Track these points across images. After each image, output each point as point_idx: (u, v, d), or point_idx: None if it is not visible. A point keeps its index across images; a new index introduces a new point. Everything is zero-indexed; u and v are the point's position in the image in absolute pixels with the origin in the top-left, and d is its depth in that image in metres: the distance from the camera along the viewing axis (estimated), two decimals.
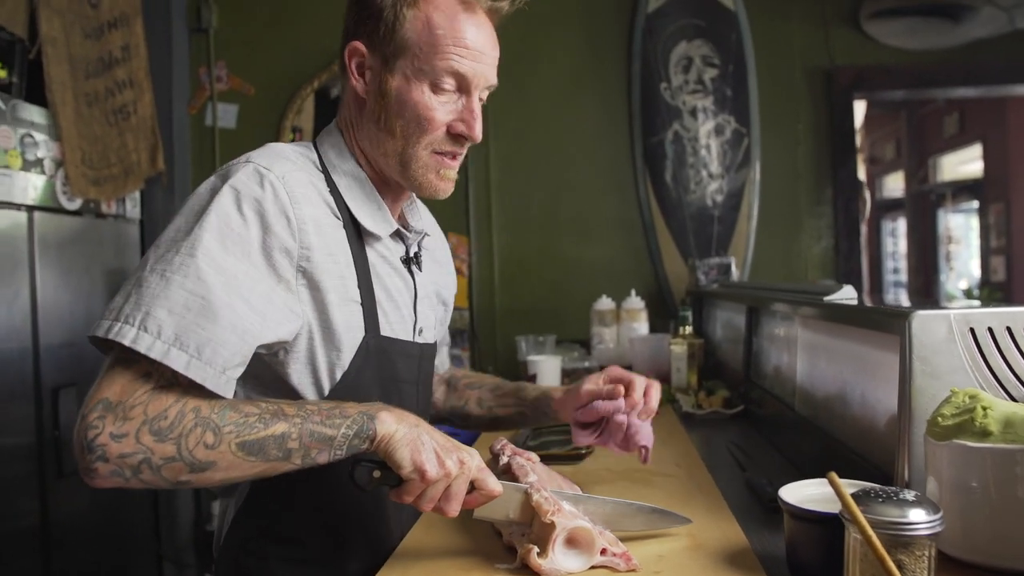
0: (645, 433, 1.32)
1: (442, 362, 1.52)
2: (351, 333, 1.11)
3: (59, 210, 2.71)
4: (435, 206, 3.52)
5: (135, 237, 3.18)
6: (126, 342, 0.89)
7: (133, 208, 3.13)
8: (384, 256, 1.18)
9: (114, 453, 0.86)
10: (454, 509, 0.98)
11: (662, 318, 3.15)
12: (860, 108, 5.89)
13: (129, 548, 3.04)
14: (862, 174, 6.87)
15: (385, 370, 1.17)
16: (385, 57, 1.11)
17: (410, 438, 0.95)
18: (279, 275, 1.02)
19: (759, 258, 3.29)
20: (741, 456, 1.63)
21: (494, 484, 1.00)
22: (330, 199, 1.12)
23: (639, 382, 1.28)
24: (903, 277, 6.54)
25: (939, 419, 0.87)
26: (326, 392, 1.11)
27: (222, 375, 0.93)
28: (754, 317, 2.03)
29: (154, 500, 3.21)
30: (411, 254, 1.24)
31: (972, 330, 1.02)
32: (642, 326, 2.83)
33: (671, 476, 1.46)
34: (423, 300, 1.26)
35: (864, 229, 6.70)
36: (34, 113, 2.61)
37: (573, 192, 3.39)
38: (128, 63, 3.04)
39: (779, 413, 1.72)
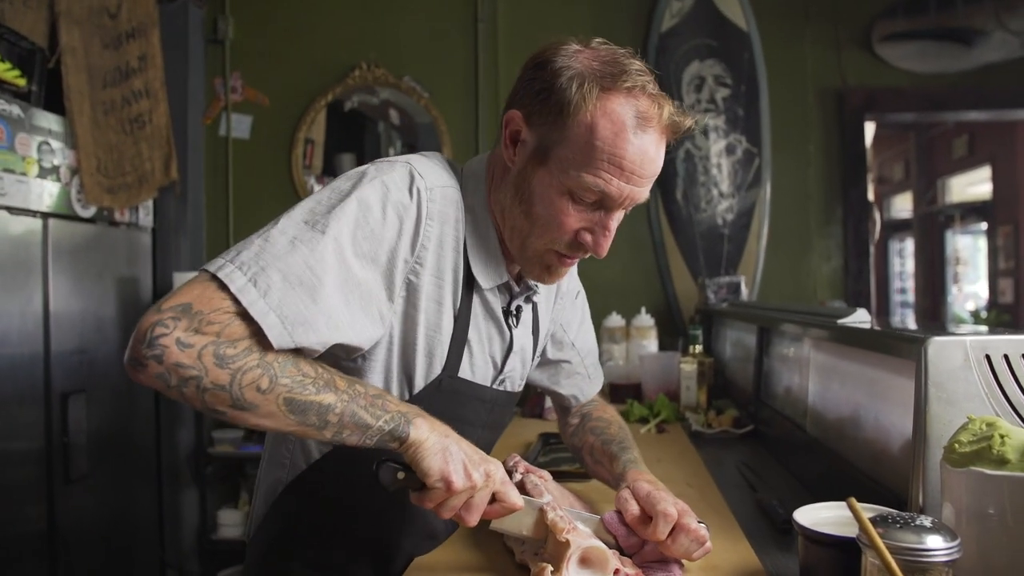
0: (673, 569, 1.08)
1: (581, 391, 1.48)
2: (429, 360, 1.11)
3: (73, 217, 2.73)
4: None
5: (147, 245, 3.20)
6: (232, 288, 0.88)
7: (146, 216, 3.15)
8: (488, 302, 1.17)
9: (172, 359, 0.84)
10: (474, 519, 0.98)
11: (671, 336, 3.15)
12: (869, 129, 5.91)
13: (134, 555, 3.05)
14: (870, 194, 6.88)
15: (453, 409, 1.14)
16: (540, 142, 1.05)
17: (440, 447, 0.95)
18: (391, 280, 1.02)
19: (768, 277, 3.29)
20: (751, 476, 1.63)
21: (516, 498, 1.00)
22: (460, 230, 1.10)
23: (664, 522, 1.04)
24: (910, 297, 6.53)
25: (956, 446, 0.87)
26: None
27: (292, 347, 0.93)
28: (765, 337, 2.03)
29: (159, 507, 3.21)
30: (512, 308, 1.21)
31: (988, 357, 1.03)
32: (651, 344, 2.83)
33: (683, 496, 1.44)
34: (515, 354, 1.25)
35: (872, 249, 6.71)
36: (51, 121, 2.63)
37: None
38: (144, 73, 3.07)
39: (789, 434, 1.72)
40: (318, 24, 3.46)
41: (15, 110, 2.46)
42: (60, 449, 2.60)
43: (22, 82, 2.57)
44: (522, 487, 1.14)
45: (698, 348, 2.35)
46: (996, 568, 0.84)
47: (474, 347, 1.16)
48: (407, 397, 1.11)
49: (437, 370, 1.11)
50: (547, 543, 0.99)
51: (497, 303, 1.18)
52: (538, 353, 1.37)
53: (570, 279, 1.42)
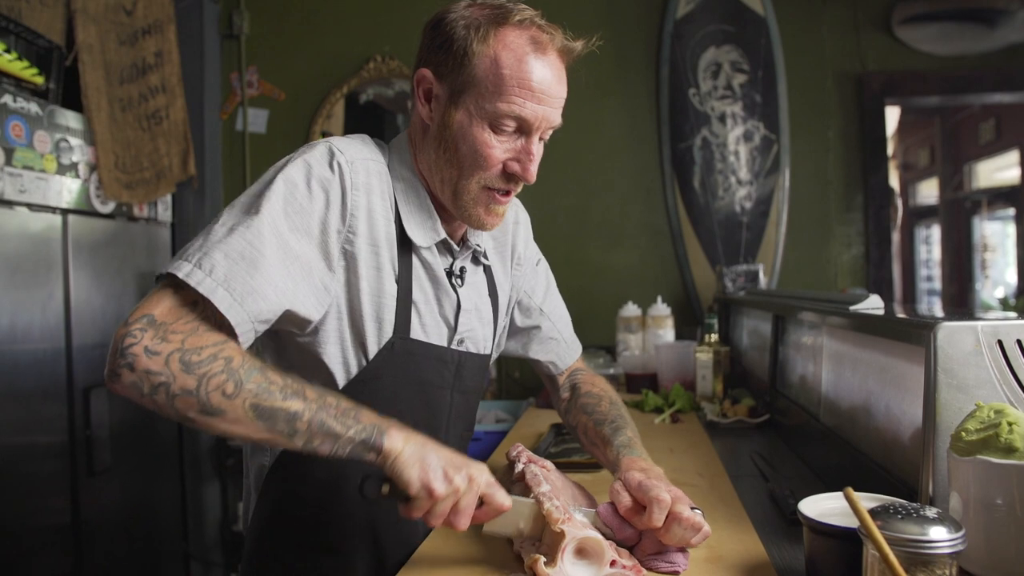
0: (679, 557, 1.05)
1: (559, 357, 1.52)
2: (378, 325, 1.14)
3: (92, 213, 2.76)
4: None
5: (166, 240, 3.22)
6: (180, 274, 0.94)
7: (165, 211, 3.18)
8: (429, 264, 1.20)
9: (142, 366, 0.89)
10: (463, 523, 0.98)
11: (689, 325, 3.13)
12: (893, 114, 5.81)
13: (157, 546, 3.08)
14: (895, 181, 6.77)
15: (411, 372, 1.19)
16: (452, 89, 1.12)
17: (418, 456, 0.96)
18: (327, 251, 1.07)
19: (788, 265, 3.25)
20: (765, 466, 1.61)
21: (503, 498, 1.00)
22: (392, 197, 1.17)
23: (658, 509, 1.02)
24: (937, 285, 6.42)
25: (963, 434, 0.85)
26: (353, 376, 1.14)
27: (249, 323, 0.98)
28: (780, 325, 2.01)
29: (182, 499, 3.25)
30: (455, 268, 1.25)
31: (1000, 342, 1.00)
32: (668, 333, 2.81)
33: (694, 486, 1.44)
34: (467, 312, 1.26)
35: (897, 237, 6.60)
36: (70, 118, 2.66)
37: (600, 198, 3.38)
38: (161, 69, 3.09)
39: (804, 423, 1.70)
40: (332, 17, 3.46)
41: (33, 108, 2.48)
42: (83, 442, 2.63)
43: (40, 80, 2.59)
44: (523, 477, 1.13)
45: (714, 337, 2.33)
46: (1004, 558, 0.82)
47: (421, 308, 1.19)
48: (364, 364, 1.14)
49: (388, 334, 1.15)
50: (543, 534, 0.98)
51: (439, 264, 1.22)
52: (503, 316, 1.40)
53: (528, 246, 1.46)
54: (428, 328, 1.20)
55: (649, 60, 3.34)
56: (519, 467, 1.19)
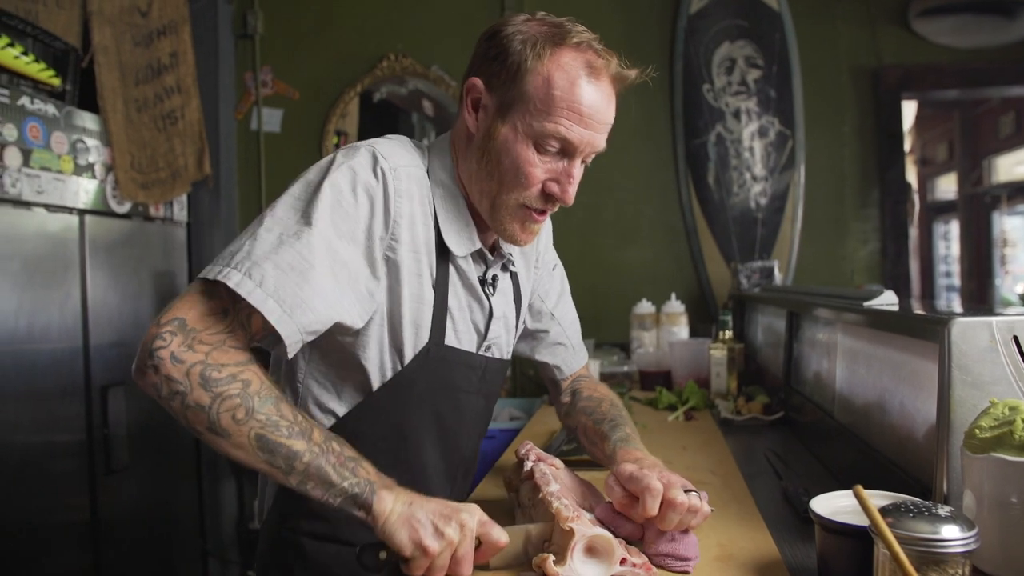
0: (685, 544, 1.04)
1: (565, 363, 1.52)
2: (415, 331, 1.15)
3: (109, 213, 2.78)
4: None
5: (182, 239, 3.25)
6: (230, 284, 0.95)
7: (181, 211, 3.20)
8: (464, 272, 1.22)
9: (165, 371, 0.91)
10: (466, 570, 0.96)
11: (704, 322, 3.11)
12: (910, 109, 5.74)
13: (175, 544, 3.11)
14: (913, 176, 6.69)
15: (444, 377, 1.20)
16: (501, 102, 1.12)
17: (405, 517, 0.94)
18: (372, 258, 1.09)
19: (803, 262, 3.23)
20: (778, 464, 1.60)
21: (498, 535, 0.98)
22: (431, 203, 1.17)
23: (651, 497, 1.01)
24: (956, 281, 6.35)
25: (976, 431, 0.84)
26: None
27: (300, 336, 0.99)
28: (795, 322, 1.99)
29: (199, 497, 3.27)
30: (488, 276, 1.25)
31: (1016, 338, 0.99)
32: (682, 330, 2.80)
33: (706, 484, 1.44)
34: (497, 320, 1.28)
35: (915, 232, 6.53)
36: (86, 119, 2.68)
37: (615, 195, 3.37)
38: (176, 69, 3.11)
39: (819, 420, 1.69)
40: (344, 16, 3.47)
41: (50, 109, 2.51)
42: (101, 441, 2.65)
43: (57, 82, 2.62)
44: (531, 475, 1.13)
45: (728, 334, 2.31)
46: (1018, 558, 0.81)
47: (455, 315, 1.20)
48: (399, 368, 1.15)
49: (424, 340, 1.16)
50: (552, 533, 0.98)
51: (473, 272, 1.22)
52: (521, 322, 1.40)
53: (547, 250, 1.47)
54: (461, 335, 1.21)
55: (663, 56, 3.32)
56: (528, 465, 1.19)
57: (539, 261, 1.44)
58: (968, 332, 0.99)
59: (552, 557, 0.93)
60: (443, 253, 1.17)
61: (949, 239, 6.55)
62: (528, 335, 1.48)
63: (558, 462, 1.22)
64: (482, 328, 1.25)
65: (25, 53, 2.48)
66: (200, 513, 3.28)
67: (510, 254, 1.29)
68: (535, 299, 1.46)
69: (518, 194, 1.13)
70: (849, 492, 0.96)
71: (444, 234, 1.17)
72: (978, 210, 5.88)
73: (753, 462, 1.65)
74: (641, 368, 2.64)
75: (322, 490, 0.96)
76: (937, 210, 6.65)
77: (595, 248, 3.37)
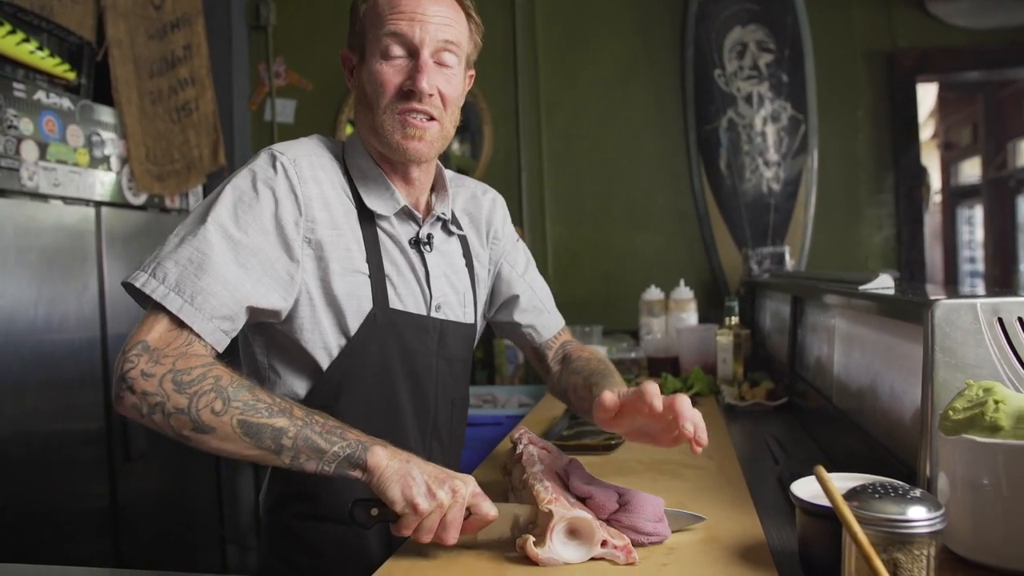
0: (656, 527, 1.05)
1: (544, 326, 1.54)
2: (356, 302, 1.19)
3: (125, 205, 2.82)
4: None
5: None
6: (137, 284, 1.04)
7: (196, 202, 3.24)
8: (393, 235, 1.26)
9: (140, 388, 0.97)
10: (452, 537, 0.98)
11: (717, 308, 3.09)
12: (931, 92, 5.65)
13: (194, 530, 3.16)
14: (936, 160, 6.59)
15: (397, 341, 1.24)
16: (359, 50, 1.23)
17: (401, 473, 0.98)
18: (287, 243, 1.13)
19: (817, 248, 3.20)
20: (778, 450, 1.60)
21: (488, 508, 1.00)
22: (345, 184, 1.24)
23: (652, 396, 1.06)
24: (980, 267, 6.26)
25: (951, 413, 0.84)
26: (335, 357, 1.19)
27: (209, 322, 1.04)
28: (799, 307, 1.99)
29: (217, 484, 3.32)
30: (421, 235, 1.29)
31: (1000, 320, 0.98)
32: (691, 316, 2.79)
33: (701, 468, 1.44)
34: (438, 278, 1.31)
35: (937, 217, 6.44)
36: (101, 112, 2.72)
37: (626, 182, 3.36)
38: (190, 62, 3.15)
39: (820, 406, 1.68)
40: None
41: (66, 103, 2.55)
42: (119, 429, 2.70)
43: (72, 76, 2.66)
44: (520, 458, 1.14)
45: (734, 320, 2.31)
46: (991, 540, 0.81)
47: (395, 279, 1.24)
48: (344, 343, 1.19)
49: (367, 308, 1.20)
50: (536, 516, 0.99)
51: (404, 234, 1.27)
52: (481, 287, 1.44)
53: (505, 224, 1.50)
54: (404, 298, 1.25)
55: (674, 42, 3.30)
56: (520, 448, 1.20)
57: (498, 234, 1.48)
58: (952, 314, 0.99)
59: (532, 538, 0.94)
60: (370, 222, 1.23)
61: (973, 224, 6.45)
62: (503, 303, 1.51)
63: (550, 445, 1.23)
64: (425, 288, 1.28)
65: (40, 48, 2.52)
66: (218, 500, 3.33)
67: (443, 213, 1.32)
68: (504, 267, 1.49)
69: (383, 105, 1.18)
70: (832, 476, 0.98)
71: (365, 199, 1.23)
72: (1003, 194, 5.79)
73: (753, 447, 1.65)
74: (649, 354, 2.64)
75: (315, 461, 0.99)
76: (961, 195, 6.55)
77: (606, 235, 3.37)
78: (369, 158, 1.26)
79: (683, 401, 1.04)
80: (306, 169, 1.17)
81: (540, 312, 1.53)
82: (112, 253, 2.74)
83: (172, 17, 3.12)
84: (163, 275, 1.03)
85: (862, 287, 1.35)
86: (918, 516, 0.73)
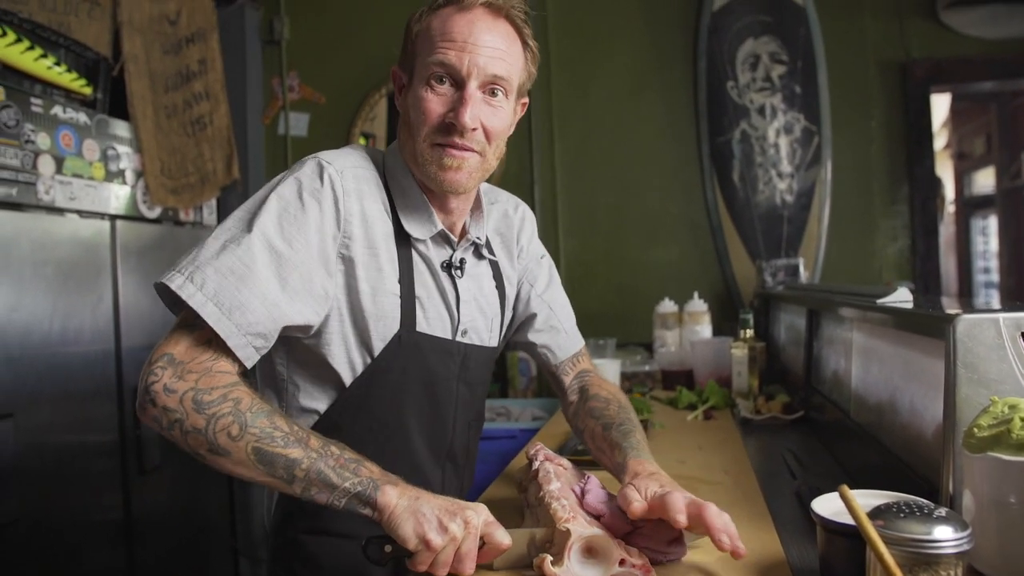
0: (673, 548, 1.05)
1: (560, 347, 1.51)
2: (384, 322, 1.18)
3: (140, 218, 2.84)
4: None
5: None
6: (172, 286, 1.01)
7: (210, 216, 3.25)
8: (427, 258, 1.25)
9: (161, 402, 0.97)
10: (468, 568, 0.97)
11: (730, 321, 3.08)
12: (944, 102, 5.62)
13: (206, 543, 3.16)
14: (949, 171, 6.55)
15: (420, 363, 1.23)
16: (409, 73, 1.20)
17: (411, 511, 0.96)
18: (325, 257, 1.12)
19: (831, 259, 3.18)
20: (795, 464, 1.59)
21: (502, 536, 0.98)
22: (385, 200, 1.22)
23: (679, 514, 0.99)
24: (995, 277, 6.21)
25: (975, 430, 0.83)
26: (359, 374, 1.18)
27: (243, 337, 1.02)
28: (815, 320, 1.97)
29: (230, 497, 3.32)
30: (454, 260, 1.28)
31: (1023, 335, 0.97)
32: (705, 329, 2.78)
33: (717, 484, 1.43)
34: (467, 303, 1.30)
35: (951, 228, 6.39)
36: (117, 127, 2.74)
37: (639, 194, 3.36)
38: (205, 76, 3.17)
39: (836, 420, 1.67)
40: (369, 20, 3.51)
41: (82, 117, 2.57)
42: (133, 441, 2.71)
43: (88, 91, 2.68)
44: (537, 475, 1.14)
45: (749, 333, 2.29)
46: (1017, 559, 0.79)
47: (424, 302, 1.23)
48: (368, 361, 1.18)
49: (394, 330, 1.19)
50: (553, 534, 0.98)
51: (437, 257, 1.26)
52: (508, 309, 1.43)
53: (532, 241, 1.48)
54: (432, 321, 1.24)
55: (686, 54, 3.30)
56: (535, 465, 1.19)
57: (524, 252, 1.46)
58: (974, 329, 0.98)
59: (550, 558, 0.94)
60: (405, 242, 1.21)
61: (988, 234, 6.41)
62: (520, 321, 1.49)
63: (565, 462, 1.22)
64: (454, 312, 1.27)
65: (58, 64, 2.55)
66: (231, 512, 3.34)
67: (478, 238, 1.32)
68: (523, 285, 1.48)
69: (424, 134, 1.16)
70: (856, 492, 0.96)
71: (403, 221, 1.21)
72: (1017, 204, 5.74)
73: (770, 462, 1.64)
74: (663, 367, 2.63)
75: (326, 494, 0.98)
76: (975, 205, 6.51)
77: (620, 247, 3.36)
78: (412, 178, 1.23)
79: (711, 513, 0.97)
80: (351, 182, 1.16)
81: (557, 332, 1.50)
82: (127, 266, 2.75)
83: (187, 32, 3.14)
84: (201, 281, 1.01)
85: (881, 301, 1.34)
86: (945, 536, 0.72)
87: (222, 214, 3.34)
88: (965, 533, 0.73)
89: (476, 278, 1.34)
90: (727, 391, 2.25)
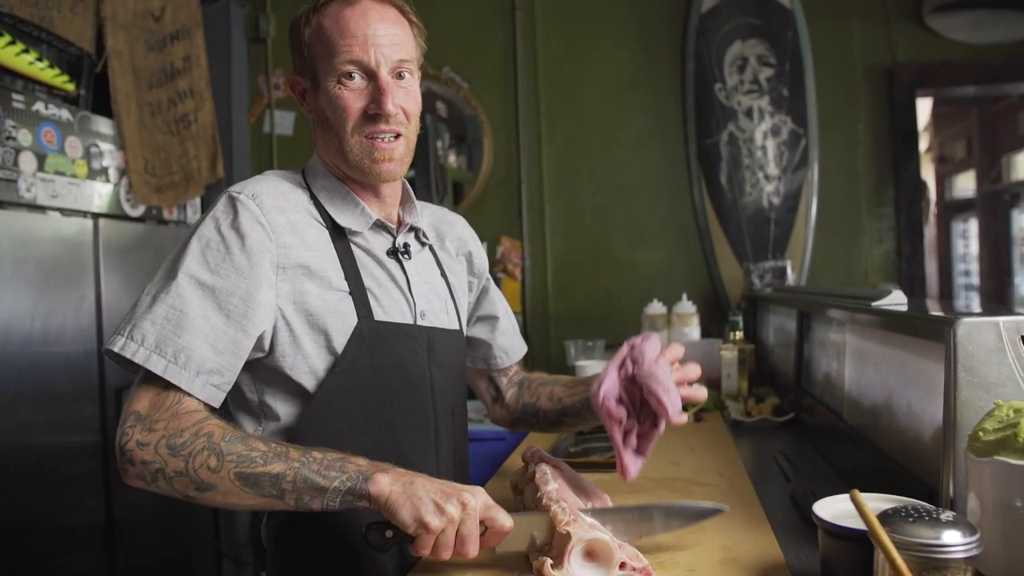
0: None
1: (515, 350, 1.55)
2: (339, 319, 1.17)
3: (123, 217, 2.80)
4: (488, 211, 3.51)
5: None
6: (115, 348, 1.02)
7: (194, 215, 3.21)
8: (369, 250, 1.25)
9: (138, 458, 0.98)
10: (471, 551, 0.98)
11: (717, 323, 3.09)
12: (926, 106, 5.68)
13: (190, 545, 3.12)
14: (931, 174, 6.62)
15: (388, 353, 1.22)
16: (311, 77, 1.22)
17: (407, 495, 0.97)
18: (263, 272, 1.11)
19: (817, 261, 3.20)
20: (788, 467, 1.59)
21: (503, 519, 0.99)
22: (311, 207, 1.23)
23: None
24: (975, 280, 6.28)
25: (980, 434, 0.83)
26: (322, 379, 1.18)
27: (196, 378, 1.03)
28: (805, 322, 1.98)
29: None
30: (398, 244, 1.30)
31: None
32: (693, 330, 2.78)
33: (712, 486, 1.43)
34: (419, 285, 1.31)
35: (932, 231, 6.46)
36: (100, 124, 2.70)
37: (627, 196, 3.36)
38: (189, 73, 3.13)
39: (829, 422, 1.67)
40: None
41: (64, 114, 2.53)
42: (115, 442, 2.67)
43: (71, 87, 2.64)
44: (533, 477, 1.13)
45: (739, 335, 2.30)
46: (1022, 562, 0.79)
47: (376, 292, 1.23)
48: (333, 360, 1.17)
49: (352, 323, 1.18)
50: (552, 536, 0.97)
51: (380, 245, 1.27)
52: (461, 297, 1.44)
53: (481, 256, 1.52)
54: (388, 309, 1.24)
55: (674, 56, 3.31)
56: (533, 467, 1.18)
57: (474, 252, 1.49)
58: (974, 332, 0.98)
59: (550, 561, 0.93)
60: (342, 239, 1.22)
61: (968, 237, 6.48)
62: (483, 320, 1.53)
63: (561, 463, 1.22)
64: (408, 296, 1.28)
65: (40, 59, 2.50)
66: (214, 514, 3.30)
67: (416, 223, 1.34)
68: (491, 287, 1.55)
69: (349, 129, 1.19)
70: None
71: (336, 218, 1.22)
72: (997, 208, 5.81)
73: (762, 464, 1.64)
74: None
75: (319, 499, 0.98)
76: (955, 208, 6.58)
77: (607, 249, 3.36)
78: (334, 178, 1.26)
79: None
80: (267, 199, 1.16)
81: (513, 336, 1.56)
82: (109, 265, 2.71)
83: (172, 29, 3.10)
84: (141, 336, 1.02)
85: (876, 304, 1.34)
86: (954, 541, 0.72)
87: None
88: (974, 538, 0.72)
89: (423, 262, 1.36)
90: (716, 393, 2.25)
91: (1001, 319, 0.98)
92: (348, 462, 1.01)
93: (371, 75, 1.18)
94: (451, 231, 1.47)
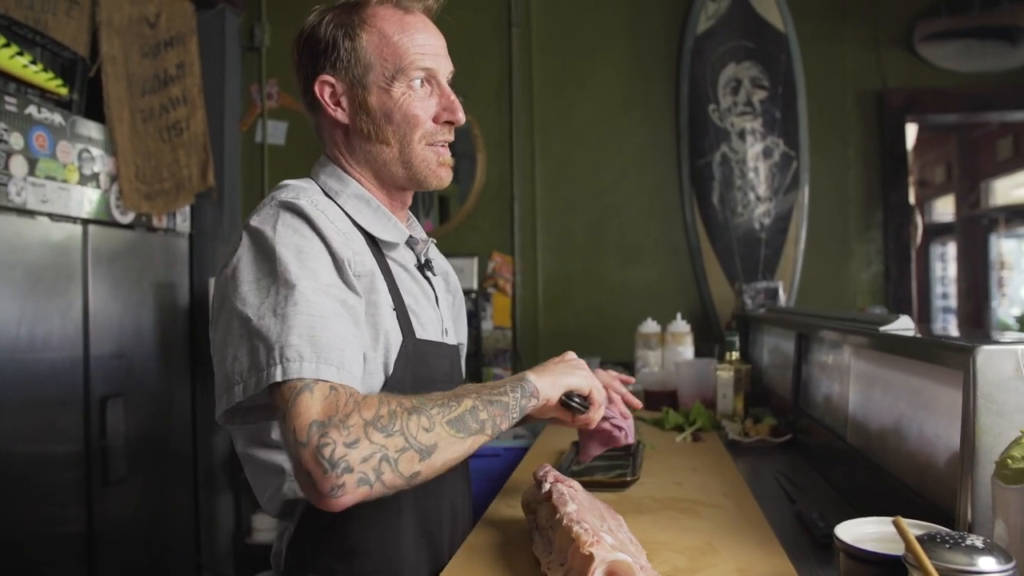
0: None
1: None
2: (393, 335, 1.14)
3: (112, 223, 2.77)
4: (481, 226, 3.51)
5: (185, 251, 3.23)
6: (278, 378, 0.93)
7: (184, 222, 3.19)
8: (403, 264, 1.24)
9: (356, 460, 0.89)
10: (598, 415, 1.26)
11: (707, 342, 3.11)
12: (911, 131, 5.78)
13: (170, 557, 3.07)
14: (912, 198, 6.73)
15: (423, 372, 1.19)
16: (354, 79, 1.17)
17: (558, 372, 1.18)
18: (350, 282, 1.06)
19: (806, 283, 3.23)
20: (790, 487, 1.59)
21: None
22: (343, 216, 1.17)
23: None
24: (952, 303, 6.38)
25: (1009, 461, 0.84)
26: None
27: (354, 371, 1.00)
28: (804, 344, 1.99)
29: (195, 511, 3.24)
30: (422, 260, 1.30)
31: None
32: (687, 350, 2.79)
33: (719, 507, 1.43)
34: (443, 301, 1.32)
35: (913, 254, 6.54)
36: (92, 129, 2.67)
37: (619, 214, 3.37)
38: (182, 81, 3.11)
39: (830, 444, 1.68)
40: None
41: (57, 118, 2.50)
42: (99, 452, 2.63)
43: (64, 91, 2.61)
44: (549, 497, 1.12)
45: (735, 355, 2.31)
46: None
47: (415, 308, 1.21)
48: (385, 379, 1.14)
49: (398, 342, 1.15)
50: (569, 556, 0.96)
51: (410, 260, 1.26)
52: (454, 313, 1.43)
53: (458, 285, 1.51)
54: (426, 326, 1.22)
55: (669, 76, 3.34)
56: (546, 487, 1.18)
57: (448, 275, 1.46)
58: (993, 360, 0.99)
59: None
60: (379, 253, 1.19)
61: (946, 260, 6.58)
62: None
63: (575, 483, 1.21)
64: (438, 312, 1.28)
65: (33, 62, 2.47)
66: (196, 526, 3.25)
67: (427, 239, 1.33)
68: (463, 312, 1.52)
69: (418, 136, 1.18)
70: (872, 519, 0.97)
71: (376, 231, 1.19)
72: (975, 232, 5.91)
73: (763, 485, 1.64)
74: (646, 387, 2.63)
75: (507, 417, 1.07)
76: (935, 232, 6.68)
77: (599, 267, 3.37)
78: (364, 192, 1.21)
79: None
80: (327, 207, 1.11)
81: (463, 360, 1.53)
82: (98, 271, 2.68)
83: (166, 35, 3.08)
84: (297, 354, 0.94)
85: (884, 328, 1.35)
86: (990, 567, 0.72)
87: (196, 221, 3.27)
88: (1010, 565, 0.73)
89: (441, 275, 1.37)
90: (712, 413, 2.26)
91: (1020, 347, 0.99)
92: (495, 383, 1.10)
93: (435, 84, 1.19)
94: (437, 257, 1.45)
